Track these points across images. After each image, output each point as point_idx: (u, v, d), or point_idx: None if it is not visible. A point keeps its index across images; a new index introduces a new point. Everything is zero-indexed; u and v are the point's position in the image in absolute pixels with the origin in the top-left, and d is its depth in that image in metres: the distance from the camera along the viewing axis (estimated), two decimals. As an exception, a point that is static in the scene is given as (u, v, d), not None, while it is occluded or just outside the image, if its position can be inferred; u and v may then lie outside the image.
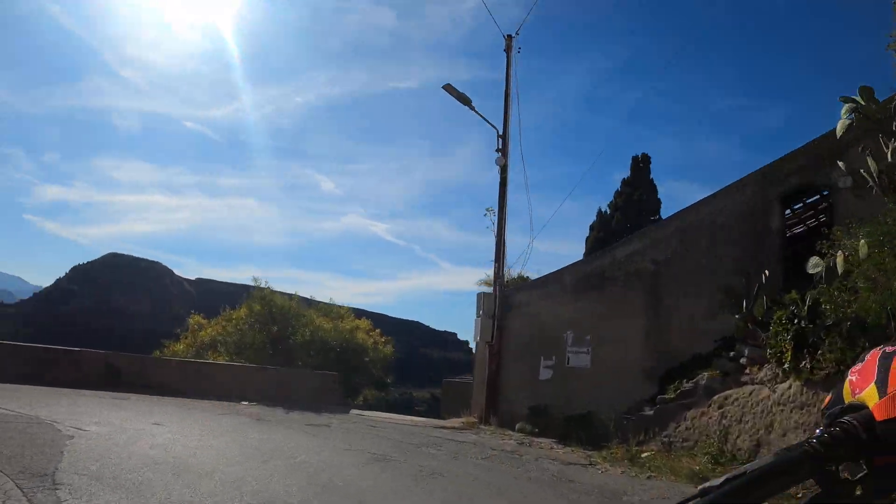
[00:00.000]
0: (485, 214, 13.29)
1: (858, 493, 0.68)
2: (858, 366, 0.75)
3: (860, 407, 0.71)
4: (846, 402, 0.74)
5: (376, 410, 14.33)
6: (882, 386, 0.68)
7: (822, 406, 0.80)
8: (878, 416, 0.67)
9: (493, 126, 13.37)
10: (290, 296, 17.31)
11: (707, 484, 0.67)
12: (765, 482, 0.66)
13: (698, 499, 0.66)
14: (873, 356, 0.73)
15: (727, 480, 0.66)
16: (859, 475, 0.69)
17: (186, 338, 18.24)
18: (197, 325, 18.57)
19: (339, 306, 18.93)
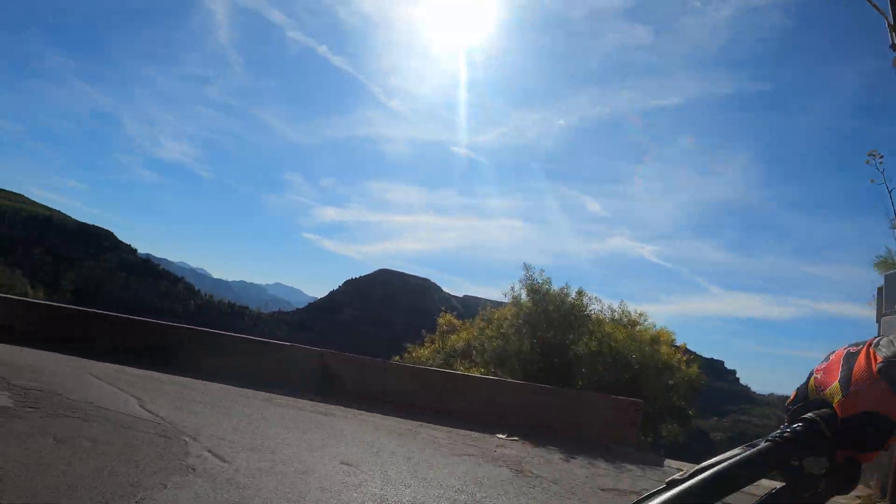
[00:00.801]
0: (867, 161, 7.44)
1: (821, 487, 0.69)
2: (823, 364, 0.75)
3: (823, 404, 0.72)
4: (810, 398, 0.75)
5: (683, 459, 8.64)
6: (845, 384, 0.70)
7: (787, 402, 0.79)
8: (841, 413, 0.69)
9: None
10: (575, 292, 12.00)
11: (674, 476, 0.68)
12: (732, 475, 0.67)
13: (666, 491, 0.66)
14: (838, 355, 0.74)
15: (695, 473, 0.67)
16: (822, 470, 0.70)
17: (434, 342, 14.80)
18: (447, 326, 14.94)
19: (630, 312, 13.23)
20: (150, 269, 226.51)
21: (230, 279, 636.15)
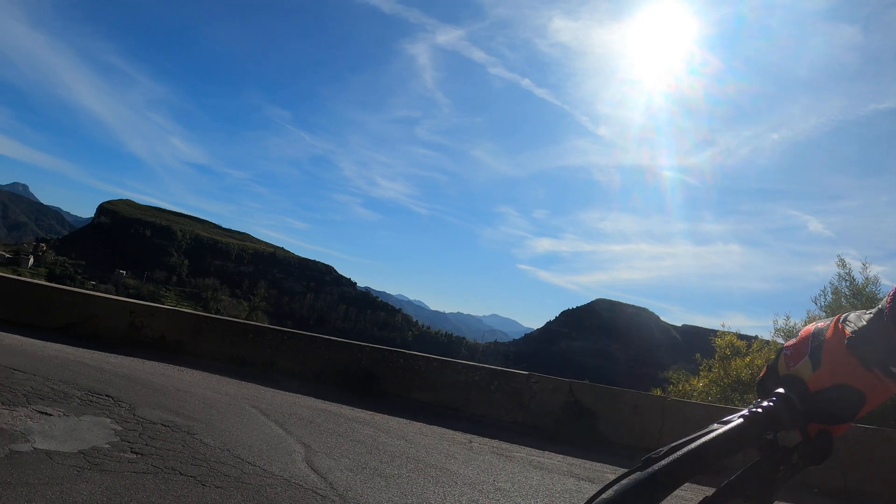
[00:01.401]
0: None
1: (795, 459, 0.70)
2: (793, 341, 0.76)
3: (794, 379, 0.73)
4: (780, 375, 0.75)
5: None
6: (815, 359, 0.71)
7: (757, 378, 0.80)
8: (812, 387, 0.70)
9: None
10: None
11: (652, 454, 0.68)
12: (708, 451, 0.67)
13: (641, 468, 0.66)
14: (807, 331, 0.75)
15: (671, 450, 0.67)
16: (795, 443, 0.71)
17: (711, 369, 12.52)
18: (730, 350, 12.47)
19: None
20: (369, 301, 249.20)
21: (447, 311, 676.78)
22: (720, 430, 0.69)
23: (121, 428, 4.37)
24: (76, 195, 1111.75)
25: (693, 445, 0.67)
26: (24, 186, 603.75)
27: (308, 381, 8.48)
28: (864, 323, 0.69)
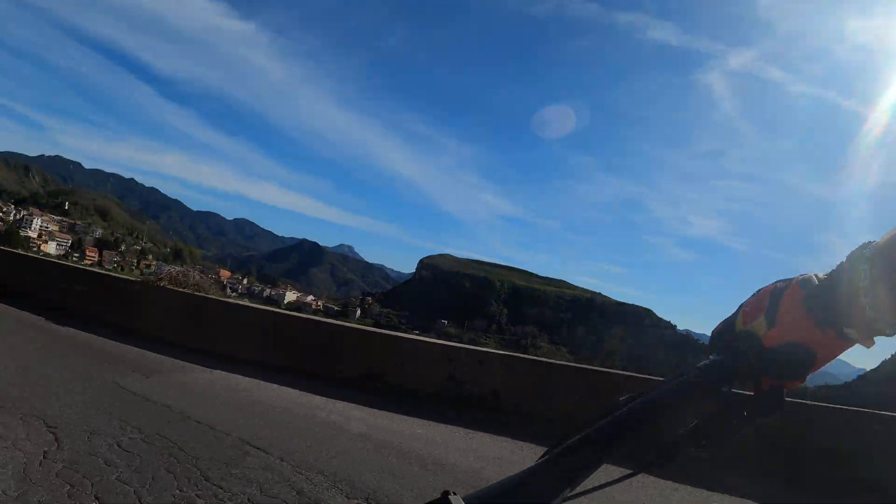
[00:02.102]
0: None
1: (748, 410, 0.73)
2: (752, 299, 0.78)
3: (750, 335, 0.75)
4: (736, 330, 0.77)
5: None
6: (771, 317, 0.73)
7: (713, 331, 0.83)
8: (767, 344, 0.73)
9: None
10: None
11: (610, 403, 0.70)
12: (665, 401, 0.71)
13: (603, 415, 0.69)
14: (765, 290, 0.77)
15: (630, 398, 0.71)
16: (749, 395, 0.74)
17: None
18: None
19: None
20: (689, 344, 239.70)
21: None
22: (677, 381, 0.73)
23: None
24: (398, 253, 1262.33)
25: (650, 395, 0.71)
26: (350, 248, 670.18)
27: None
28: (821, 284, 0.71)
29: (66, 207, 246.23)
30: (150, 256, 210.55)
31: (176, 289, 10.54)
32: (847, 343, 0.69)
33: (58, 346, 7.60)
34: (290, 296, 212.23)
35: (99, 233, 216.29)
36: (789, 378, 0.73)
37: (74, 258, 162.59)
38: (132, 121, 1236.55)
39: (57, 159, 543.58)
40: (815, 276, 0.73)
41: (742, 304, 0.80)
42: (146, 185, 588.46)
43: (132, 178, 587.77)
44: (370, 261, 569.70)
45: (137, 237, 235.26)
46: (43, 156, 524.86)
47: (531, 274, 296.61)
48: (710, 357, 0.77)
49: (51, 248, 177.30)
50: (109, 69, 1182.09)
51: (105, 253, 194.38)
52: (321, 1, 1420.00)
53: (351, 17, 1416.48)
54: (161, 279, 11.10)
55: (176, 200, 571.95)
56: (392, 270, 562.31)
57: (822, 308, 0.70)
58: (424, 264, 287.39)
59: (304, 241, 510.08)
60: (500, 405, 7.46)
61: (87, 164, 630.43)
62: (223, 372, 7.57)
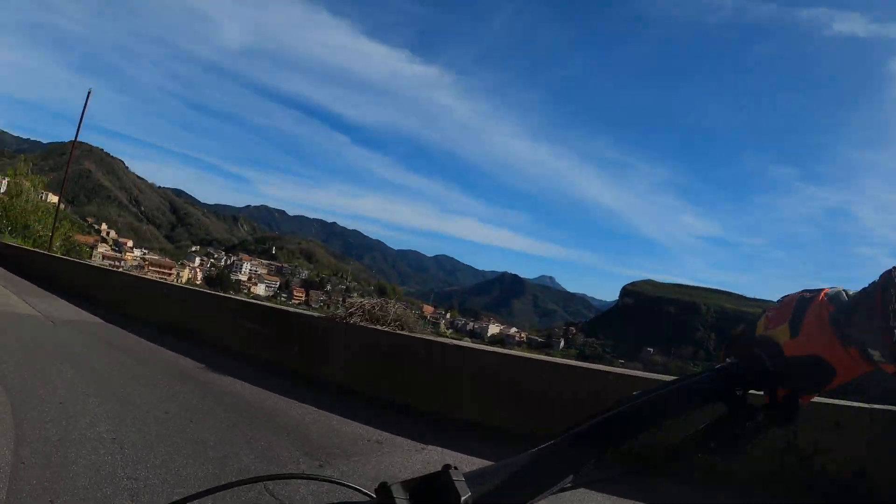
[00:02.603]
0: None
1: (760, 418, 0.71)
2: (777, 305, 0.77)
3: (770, 341, 0.73)
4: (757, 334, 0.76)
5: None
6: (795, 326, 0.71)
7: (733, 332, 0.81)
8: (787, 352, 0.71)
9: None
10: None
11: (624, 396, 0.69)
12: (680, 398, 0.69)
13: (616, 407, 0.67)
14: (791, 298, 0.75)
15: (643, 393, 0.69)
16: (762, 403, 0.72)
17: None
18: None
19: None
20: None
21: None
22: (692, 380, 0.71)
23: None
24: (599, 281, 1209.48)
25: (664, 391, 0.69)
26: (551, 278, 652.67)
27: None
28: (850, 301, 0.69)
29: (273, 252, 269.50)
30: (355, 295, 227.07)
31: (371, 326, 7.99)
32: (869, 365, 0.67)
33: (206, 405, 5.74)
34: (493, 328, 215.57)
35: (305, 274, 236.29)
36: (805, 391, 0.72)
37: (282, 298, 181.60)
38: (330, 168, 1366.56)
39: (262, 208, 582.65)
40: (845, 291, 0.71)
41: (766, 309, 0.78)
42: (348, 227, 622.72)
43: (334, 222, 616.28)
44: (571, 290, 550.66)
45: (342, 277, 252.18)
46: (249, 206, 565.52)
47: (739, 296, 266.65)
48: (727, 360, 0.75)
49: (260, 289, 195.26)
50: (304, 122, 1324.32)
51: (311, 293, 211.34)
52: (498, 38, 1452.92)
53: (529, 51, 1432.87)
54: (352, 314, 8.23)
55: (377, 241, 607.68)
56: (593, 299, 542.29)
57: (849, 325, 0.67)
58: (627, 291, 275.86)
59: (504, 273, 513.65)
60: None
61: (290, 211, 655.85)
62: (439, 448, 5.19)
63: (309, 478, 0.68)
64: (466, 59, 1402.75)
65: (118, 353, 8.07)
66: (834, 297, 0.70)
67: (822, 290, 0.72)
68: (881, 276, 0.65)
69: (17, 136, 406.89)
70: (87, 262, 20.85)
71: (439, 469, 0.56)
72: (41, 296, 13.73)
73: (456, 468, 0.57)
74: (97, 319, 11.23)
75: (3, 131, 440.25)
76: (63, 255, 25.14)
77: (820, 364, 0.69)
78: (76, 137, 28.24)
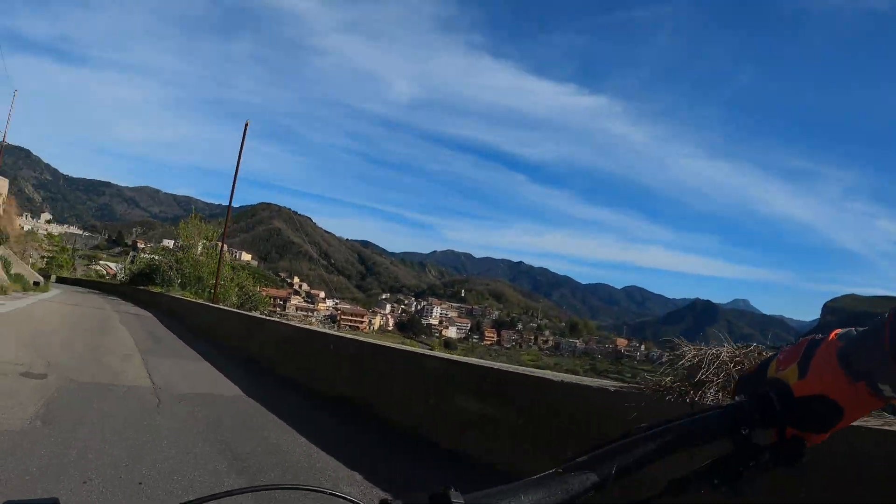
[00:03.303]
0: None
1: (766, 458, 0.71)
2: (790, 347, 0.78)
3: (780, 382, 0.74)
4: (768, 375, 0.77)
5: None
6: (804, 368, 0.72)
7: (744, 372, 0.82)
8: (796, 392, 0.72)
9: None
10: None
11: (634, 427, 0.70)
12: (687, 433, 0.70)
13: (627, 437, 0.68)
14: (804, 341, 0.76)
15: (651, 426, 0.70)
16: (769, 442, 0.72)
17: None
18: None
19: None
20: None
21: None
22: (699, 416, 0.71)
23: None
24: (797, 300, 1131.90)
25: (673, 425, 0.70)
26: (745, 301, 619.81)
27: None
28: (858, 335, 0.69)
29: (462, 294, 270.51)
30: (547, 332, 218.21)
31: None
32: (879, 401, 0.68)
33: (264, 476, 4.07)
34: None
35: (495, 315, 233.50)
36: (812, 430, 0.72)
37: (474, 340, 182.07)
38: (512, 208, 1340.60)
39: (449, 253, 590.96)
40: (854, 329, 0.71)
41: (778, 351, 0.79)
42: (535, 265, 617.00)
43: (521, 261, 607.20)
44: (767, 312, 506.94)
45: (533, 315, 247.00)
46: (435, 252, 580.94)
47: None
48: (737, 398, 0.75)
49: (451, 332, 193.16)
50: (481, 165, 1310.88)
51: (503, 332, 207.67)
52: (661, 59, 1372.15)
53: (694, 67, 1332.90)
54: (702, 381, 3.63)
55: (565, 277, 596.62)
56: (791, 320, 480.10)
57: (857, 359, 0.68)
58: (829, 308, 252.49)
59: (696, 300, 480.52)
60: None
61: (476, 254, 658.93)
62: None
63: (312, 490, 0.68)
64: (633, 85, 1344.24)
65: (236, 471, 4.11)
66: (843, 335, 0.71)
67: (833, 330, 0.73)
68: (891, 309, 0.65)
69: (209, 203, 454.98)
70: (247, 313, 16.82)
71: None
72: (179, 356, 10.94)
73: (456, 490, 0.57)
74: (234, 391, 7.73)
75: (196, 199, 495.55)
76: (236, 307, 22.29)
77: (828, 404, 0.69)
78: (237, 167, 26.46)
